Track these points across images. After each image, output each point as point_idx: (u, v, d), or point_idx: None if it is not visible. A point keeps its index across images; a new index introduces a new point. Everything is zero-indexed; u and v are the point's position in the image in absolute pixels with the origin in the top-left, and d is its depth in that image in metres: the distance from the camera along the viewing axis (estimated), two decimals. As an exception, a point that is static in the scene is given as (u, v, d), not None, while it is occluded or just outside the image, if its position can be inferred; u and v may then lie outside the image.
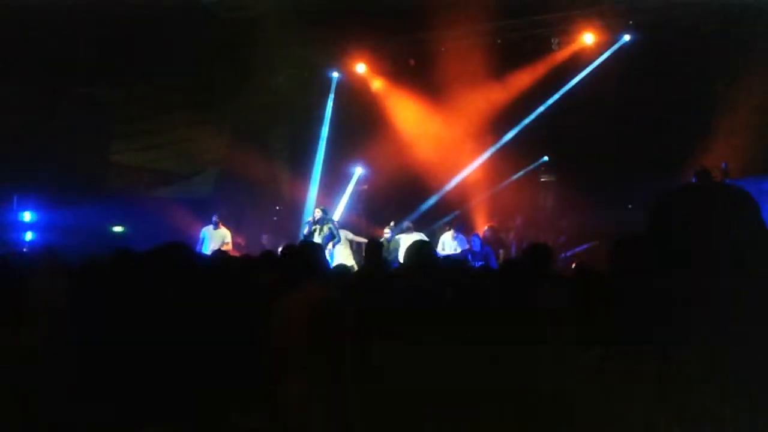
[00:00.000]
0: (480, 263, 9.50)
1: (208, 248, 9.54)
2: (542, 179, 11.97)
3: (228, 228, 10.20)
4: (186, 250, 2.46)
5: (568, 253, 8.30)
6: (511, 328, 1.80)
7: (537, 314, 2.08)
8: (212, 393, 1.83)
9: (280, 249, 5.65)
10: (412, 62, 11.70)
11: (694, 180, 10.04)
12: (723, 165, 9.91)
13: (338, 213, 12.42)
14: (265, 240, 11.81)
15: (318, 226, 9.52)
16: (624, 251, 2.14)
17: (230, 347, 1.90)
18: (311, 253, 2.91)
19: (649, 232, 1.32)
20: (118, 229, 11.29)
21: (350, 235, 10.02)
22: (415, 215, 11.68)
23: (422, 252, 3.53)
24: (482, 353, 1.68)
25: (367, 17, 10.07)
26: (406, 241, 9.08)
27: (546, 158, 11.86)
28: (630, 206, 10.92)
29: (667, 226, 1.28)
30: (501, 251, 10.18)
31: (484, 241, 10.17)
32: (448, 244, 10.03)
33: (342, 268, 5.54)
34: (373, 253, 6.50)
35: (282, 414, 2.08)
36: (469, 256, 9.75)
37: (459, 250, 9.80)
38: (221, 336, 1.92)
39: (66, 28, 9.09)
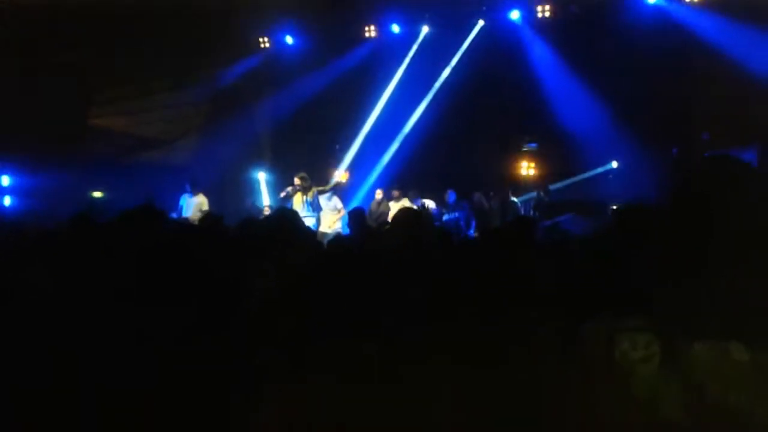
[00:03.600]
0: (455, 215, 9.71)
1: (187, 216, 9.28)
2: (524, 148, 11.99)
3: (206, 194, 9.87)
4: (157, 216, 2.23)
5: (547, 223, 8.35)
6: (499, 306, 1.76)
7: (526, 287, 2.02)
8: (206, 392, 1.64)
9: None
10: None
11: (674, 152, 10.15)
12: (704, 136, 9.97)
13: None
14: (249, 205, 11.74)
15: (300, 193, 9.36)
16: (630, 220, 2.11)
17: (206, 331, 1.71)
18: (287, 220, 2.82)
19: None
20: (97, 194, 11.15)
21: (339, 204, 9.86)
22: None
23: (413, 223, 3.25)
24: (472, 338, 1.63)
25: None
26: (395, 208, 8.98)
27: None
28: (610, 177, 11.00)
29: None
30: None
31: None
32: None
33: (321, 237, 5.55)
34: (356, 221, 6.47)
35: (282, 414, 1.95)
36: (437, 212, 9.88)
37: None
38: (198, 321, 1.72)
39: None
